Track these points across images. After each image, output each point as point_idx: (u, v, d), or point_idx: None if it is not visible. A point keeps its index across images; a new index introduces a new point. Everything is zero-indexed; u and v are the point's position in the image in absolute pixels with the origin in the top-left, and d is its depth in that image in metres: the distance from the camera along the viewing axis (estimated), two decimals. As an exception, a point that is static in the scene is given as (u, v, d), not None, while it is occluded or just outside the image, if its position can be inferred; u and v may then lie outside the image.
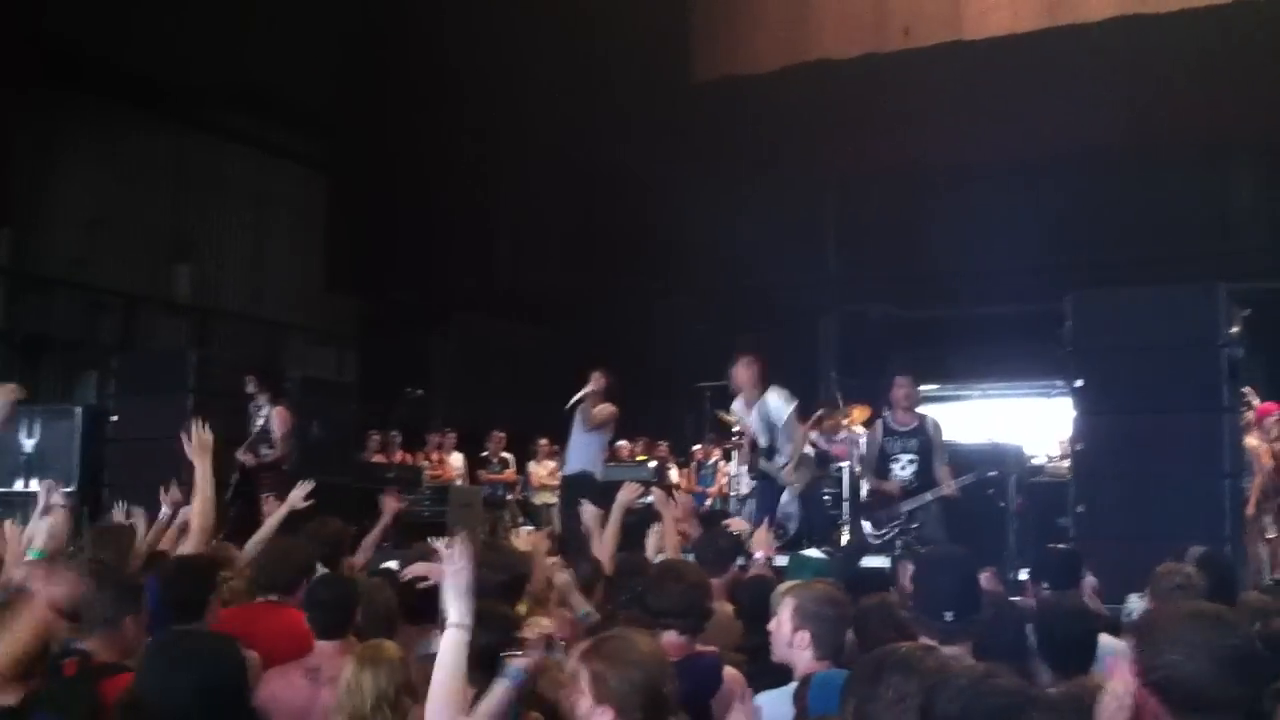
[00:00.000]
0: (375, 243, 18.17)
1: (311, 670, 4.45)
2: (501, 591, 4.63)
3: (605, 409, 10.63)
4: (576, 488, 10.63)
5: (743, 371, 9.64)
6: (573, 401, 10.58)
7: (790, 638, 4.11)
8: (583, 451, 10.75)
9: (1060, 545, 6.86)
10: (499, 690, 3.47)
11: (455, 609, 3.49)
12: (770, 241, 16.36)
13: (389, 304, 19.10)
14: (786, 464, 9.43)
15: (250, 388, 10.75)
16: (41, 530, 6.17)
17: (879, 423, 9.54)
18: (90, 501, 10.71)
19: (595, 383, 10.52)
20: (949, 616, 3.96)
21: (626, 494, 6.91)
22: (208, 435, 6.03)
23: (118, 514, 7.34)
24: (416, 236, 17.90)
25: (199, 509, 5.87)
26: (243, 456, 10.39)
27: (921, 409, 9.73)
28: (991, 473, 9.54)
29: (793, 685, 4.04)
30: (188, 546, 5.77)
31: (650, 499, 7.19)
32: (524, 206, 18.65)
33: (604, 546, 6.65)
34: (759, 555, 6.47)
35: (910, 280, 17.25)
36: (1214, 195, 16.37)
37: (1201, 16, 13.49)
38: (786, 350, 16.54)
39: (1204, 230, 16.00)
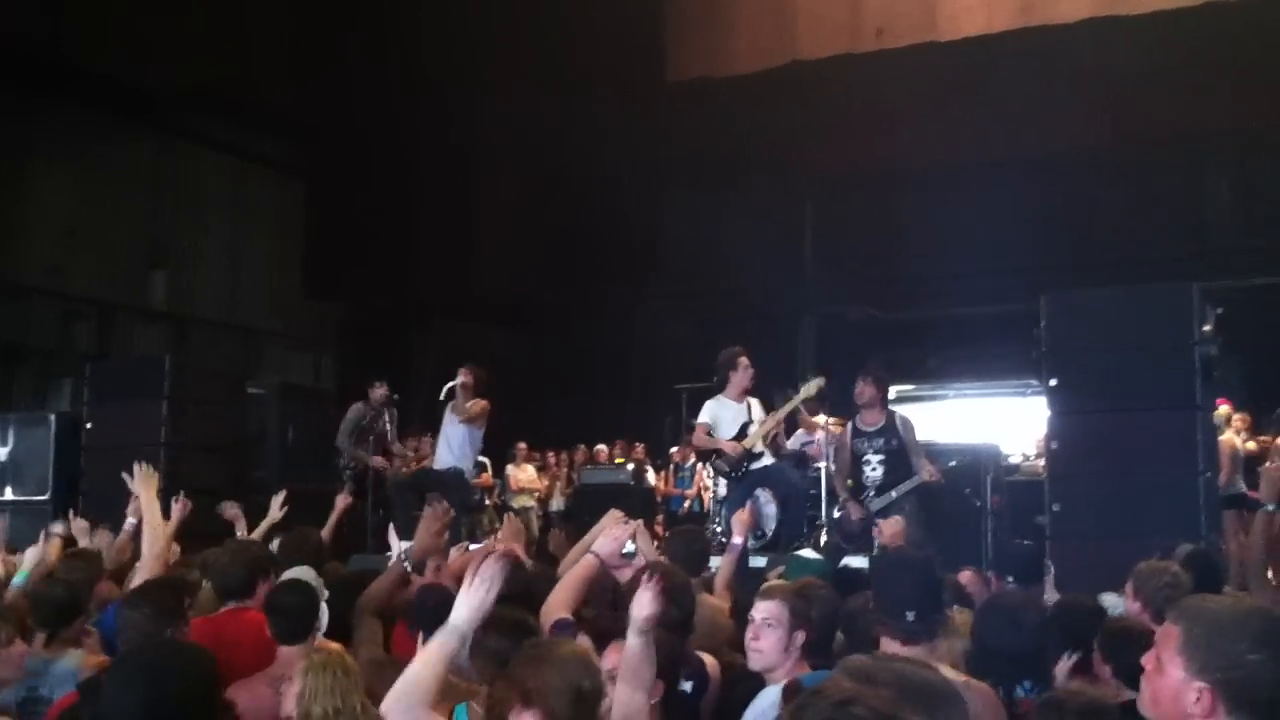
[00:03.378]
0: (353, 248, 18.13)
1: (275, 679, 4.38)
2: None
3: (478, 404, 10.64)
4: (441, 483, 10.63)
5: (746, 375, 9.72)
6: (443, 395, 10.60)
7: (787, 640, 4.11)
8: (455, 446, 10.73)
9: (1024, 541, 6.85)
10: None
11: (463, 616, 3.47)
12: (747, 244, 16.35)
13: (367, 310, 19.08)
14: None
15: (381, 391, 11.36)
16: (32, 556, 6.19)
17: (848, 426, 9.51)
18: (66, 510, 10.65)
19: (464, 375, 10.52)
20: (910, 616, 3.94)
21: (606, 545, 5.50)
22: (152, 473, 6.05)
23: (77, 526, 7.35)
24: (393, 242, 17.88)
25: (149, 538, 5.73)
26: (380, 462, 10.98)
27: (897, 408, 9.75)
28: (951, 462, 9.49)
29: (780, 686, 3.99)
30: (142, 572, 5.57)
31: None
32: (501, 210, 18.62)
33: (570, 560, 6.51)
34: (737, 540, 6.44)
35: (887, 282, 17.29)
36: (1189, 195, 16.42)
37: (1176, 17, 13.54)
38: (765, 353, 16.57)
39: (1179, 230, 16.04)
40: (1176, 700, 2.54)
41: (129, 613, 4.33)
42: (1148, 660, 2.70)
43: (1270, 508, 5.84)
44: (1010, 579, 6.03)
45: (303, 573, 5.61)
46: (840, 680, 2.35)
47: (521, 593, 4.76)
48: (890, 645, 3.88)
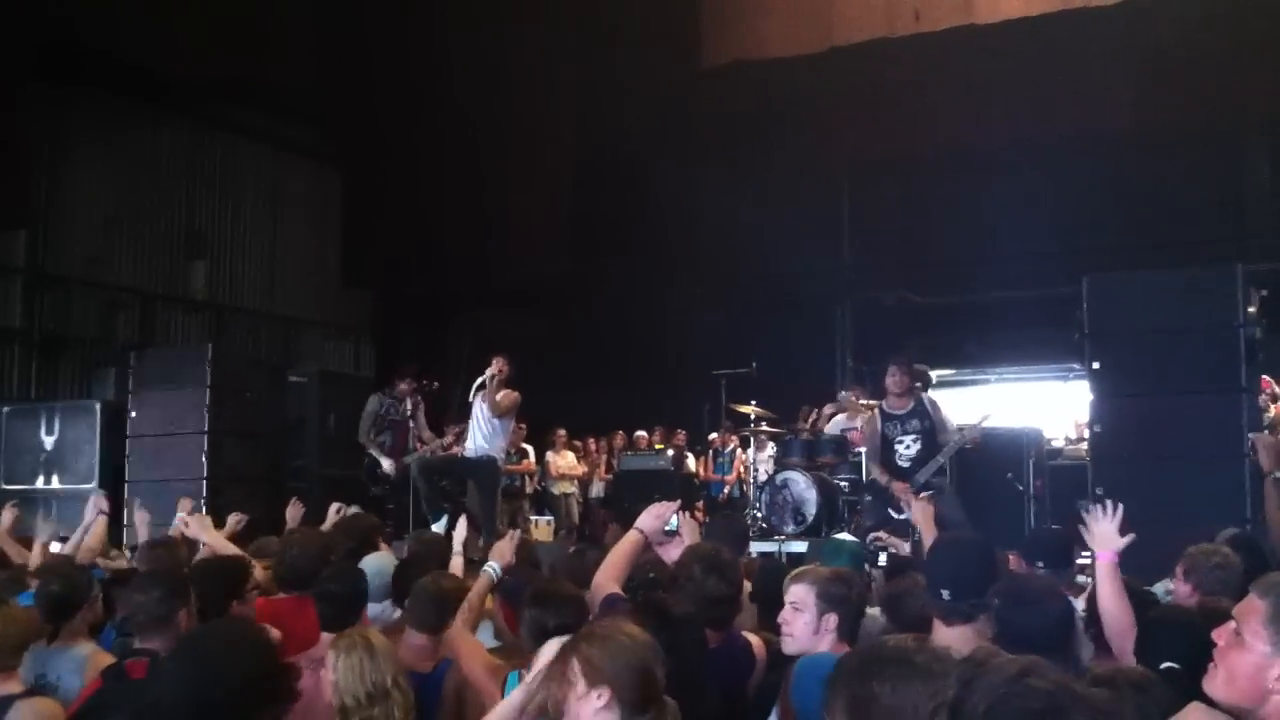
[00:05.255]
0: (389, 237, 18.18)
1: (314, 661, 4.39)
2: None
3: (509, 395, 10.71)
4: (475, 470, 10.69)
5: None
6: (475, 387, 10.65)
7: (817, 623, 4.08)
8: (487, 436, 10.78)
9: (1054, 526, 6.79)
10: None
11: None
12: (784, 229, 16.31)
13: (404, 298, 19.12)
14: None
15: (404, 386, 11.42)
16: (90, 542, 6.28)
17: (876, 411, 9.54)
18: (111, 498, 10.75)
19: (496, 367, 10.57)
20: (946, 595, 3.92)
21: (648, 521, 5.22)
22: (204, 517, 6.53)
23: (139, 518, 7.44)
24: (429, 230, 17.89)
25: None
26: (389, 464, 11.15)
27: (933, 393, 9.78)
28: (985, 418, 9.44)
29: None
30: None
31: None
32: (536, 196, 18.61)
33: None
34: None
35: (924, 266, 17.21)
36: (1229, 178, 16.23)
37: (1217, -2, 13.44)
38: (803, 338, 16.57)
39: (1219, 213, 15.86)
40: (1257, 675, 2.50)
41: (137, 596, 4.35)
42: (1220, 635, 2.64)
43: (1278, 475, 5.87)
44: (1040, 564, 5.96)
45: (381, 558, 5.71)
46: (997, 652, 2.26)
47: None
48: (943, 626, 3.86)
